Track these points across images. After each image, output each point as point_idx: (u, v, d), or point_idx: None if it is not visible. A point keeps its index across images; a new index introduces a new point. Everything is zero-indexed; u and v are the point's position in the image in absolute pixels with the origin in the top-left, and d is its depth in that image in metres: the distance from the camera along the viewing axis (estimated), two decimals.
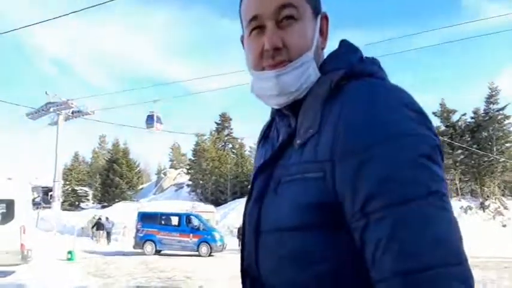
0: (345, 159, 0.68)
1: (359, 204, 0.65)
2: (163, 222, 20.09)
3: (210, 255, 18.76)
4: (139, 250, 19.10)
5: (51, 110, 34.17)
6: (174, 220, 20.26)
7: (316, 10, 0.83)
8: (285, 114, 0.83)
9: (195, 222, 19.91)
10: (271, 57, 0.78)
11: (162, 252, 19.49)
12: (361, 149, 0.66)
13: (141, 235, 19.39)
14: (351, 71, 0.76)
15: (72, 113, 35.10)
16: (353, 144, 0.68)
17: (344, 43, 0.85)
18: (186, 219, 20.00)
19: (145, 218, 20.17)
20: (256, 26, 0.80)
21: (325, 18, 0.87)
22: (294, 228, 0.72)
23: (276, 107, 0.84)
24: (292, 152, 0.76)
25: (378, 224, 0.63)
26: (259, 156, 0.92)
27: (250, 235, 0.80)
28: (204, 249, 18.88)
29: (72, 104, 34.37)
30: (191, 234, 19.21)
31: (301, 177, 0.72)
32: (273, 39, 0.77)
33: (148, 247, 19.09)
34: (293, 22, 0.78)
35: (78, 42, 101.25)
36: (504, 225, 26.57)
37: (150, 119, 34.20)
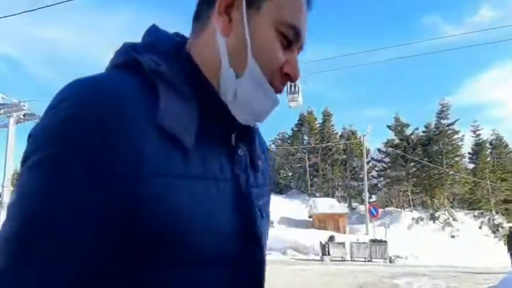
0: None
1: None
2: None
3: None
4: None
5: (1, 111, 32.46)
6: None
7: None
8: (246, 133, 0.69)
9: None
10: (283, 84, 0.67)
11: None
12: None
13: None
14: None
15: (24, 115, 33.53)
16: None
17: None
18: None
19: None
20: (289, 38, 0.65)
21: None
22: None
23: (243, 122, 0.66)
24: (252, 173, 0.71)
25: None
26: (204, 160, 0.62)
27: (262, 259, 0.70)
28: None
29: (24, 106, 32.85)
30: None
31: (268, 200, 0.79)
32: (296, 67, 0.67)
33: None
34: None
35: (32, 42, 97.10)
36: (453, 236, 27.83)
37: None
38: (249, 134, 0.70)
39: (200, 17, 0.67)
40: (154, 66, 0.60)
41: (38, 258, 0.48)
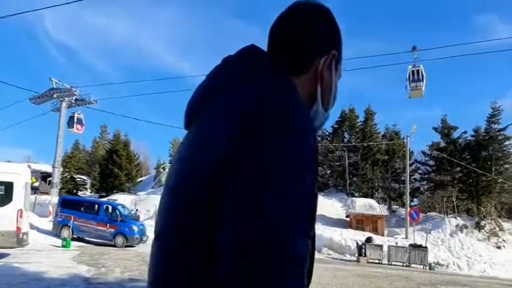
0: None
1: None
2: (82, 209, 19.96)
3: (129, 247, 18.44)
4: (56, 234, 19.00)
5: (55, 96, 34.18)
6: (94, 208, 20.02)
7: None
8: None
9: (114, 212, 19.63)
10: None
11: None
12: None
13: (59, 219, 19.42)
14: None
15: (75, 100, 35.10)
16: None
17: None
18: (104, 208, 19.83)
19: (66, 203, 20.20)
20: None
21: None
22: None
23: None
24: None
25: None
26: None
27: None
28: (119, 240, 18.74)
29: (75, 91, 34.38)
30: (108, 224, 19.04)
31: None
32: None
33: (65, 232, 18.99)
34: None
35: (85, 31, 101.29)
36: (498, 247, 26.45)
37: (70, 121, 34.47)
38: None
39: (300, 62, 0.86)
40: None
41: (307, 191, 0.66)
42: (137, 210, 25.01)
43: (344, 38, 0.92)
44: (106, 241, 18.91)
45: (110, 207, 20.01)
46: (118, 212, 19.59)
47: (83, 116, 35.19)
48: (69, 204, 20.34)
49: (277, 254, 0.59)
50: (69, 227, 19.09)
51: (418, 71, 24.11)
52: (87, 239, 19.38)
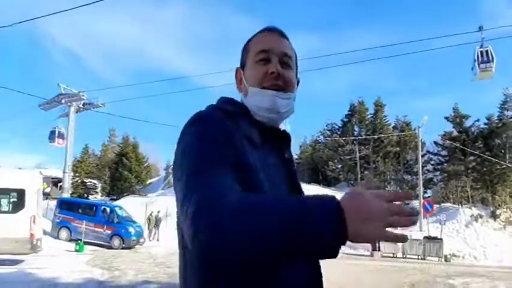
0: None
1: None
2: (80, 210, 20.01)
3: (126, 248, 18.40)
4: (55, 234, 19.09)
5: (63, 101, 34.42)
6: (91, 209, 20.04)
7: (297, 75, 1.18)
8: (284, 139, 1.17)
9: (111, 214, 19.61)
10: (275, 78, 1.07)
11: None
12: None
13: (58, 221, 19.49)
14: None
15: (83, 105, 35.31)
16: None
17: None
18: (101, 210, 19.80)
19: (64, 205, 20.26)
20: (263, 57, 1.09)
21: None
22: None
23: (266, 121, 1.10)
24: None
25: None
26: (255, 157, 1.00)
27: None
28: (116, 241, 18.69)
29: (83, 96, 34.59)
30: (105, 226, 19.00)
31: None
32: (278, 67, 1.08)
33: (63, 233, 19.09)
34: (288, 68, 1.12)
35: (90, 35, 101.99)
36: None
37: (51, 135, 34.24)
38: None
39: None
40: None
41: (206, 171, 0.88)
42: (158, 212, 24.78)
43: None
44: (104, 242, 18.95)
45: (107, 209, 20.05)
46: (115, 214, 19.61)
47: (64, 130, 35.10)
48: (67, 205, 20.39)
49: None
50: (68, 228, 19.14)
51: (487, 51, 23.35)
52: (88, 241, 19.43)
